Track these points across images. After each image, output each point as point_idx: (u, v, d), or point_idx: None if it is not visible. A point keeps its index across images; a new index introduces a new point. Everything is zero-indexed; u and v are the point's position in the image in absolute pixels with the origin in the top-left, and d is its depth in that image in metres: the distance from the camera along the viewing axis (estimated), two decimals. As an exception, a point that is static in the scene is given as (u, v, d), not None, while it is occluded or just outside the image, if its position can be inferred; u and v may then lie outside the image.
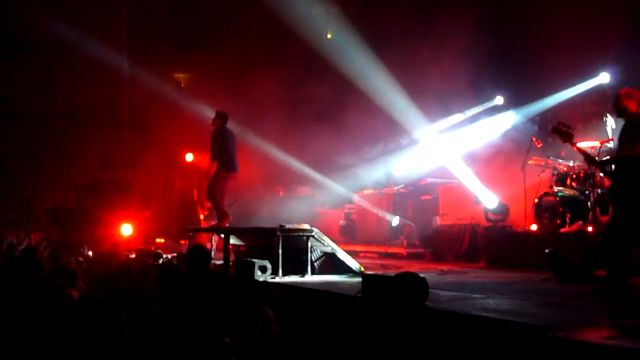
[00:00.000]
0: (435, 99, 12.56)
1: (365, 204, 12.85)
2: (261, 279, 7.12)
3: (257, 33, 16.01)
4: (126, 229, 13.56)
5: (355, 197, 13.50)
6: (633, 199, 5.38)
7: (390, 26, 13.21)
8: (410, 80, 12.45)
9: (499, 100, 13.24)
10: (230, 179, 9.81)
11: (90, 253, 10.92)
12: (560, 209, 8.85)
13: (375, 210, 12.50)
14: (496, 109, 13.16)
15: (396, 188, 12.51)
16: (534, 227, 9.48)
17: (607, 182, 8.52)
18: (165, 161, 16.66)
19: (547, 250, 7.14)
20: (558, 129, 6.10)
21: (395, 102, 12.63)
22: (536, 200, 9.33)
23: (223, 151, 9.60)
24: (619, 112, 5.78)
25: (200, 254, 5.11)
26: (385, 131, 14.10)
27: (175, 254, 10.10)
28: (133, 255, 10.90)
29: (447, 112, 13.51)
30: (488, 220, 10.53)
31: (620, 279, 5.26)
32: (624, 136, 5.57)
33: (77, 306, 3.68)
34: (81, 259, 8.47)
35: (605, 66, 11.12)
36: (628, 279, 5.29)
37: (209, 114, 13.99)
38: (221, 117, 9.78)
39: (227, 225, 9.59)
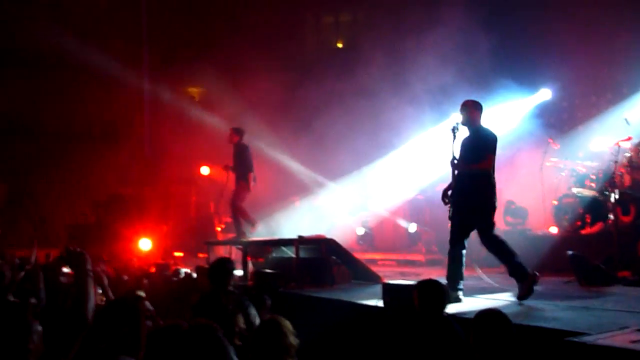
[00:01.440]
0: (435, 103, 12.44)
1: (382, 212, 12.80)
2: (280, 290, 7.11)
3: (266, 42, 16.13)
4: (145, 244, 13.63)
5: (372, 205, 13.46)
6: (471, 209, 5.69)
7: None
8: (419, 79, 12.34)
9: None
10: (249, 192, 9.97)
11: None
12: (580, 211, 8.76)
13: (392, 218, 12.46)
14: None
15: (412, 195, 12.47)
16: (553, 229, 9.37)
17: (627, 182, 8.45)
18: (182, 175, 16.78)
19: (568, 253, 7.05)
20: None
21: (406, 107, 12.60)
22: (555, 202, 9.24)
23: (245, 166, 9.82)
24: (466, 121, 5.86)
25: (223, 266, 5.11)
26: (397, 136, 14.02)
27: (194, 268, 10.14)
28: (153, 270, 10.95)
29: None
30: (506, 224, 10.43)
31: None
32: (470, 147, 5.73)
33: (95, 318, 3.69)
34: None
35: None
36: None
37: (223, 126, 14.15)
38: (239, 132, 10.03)
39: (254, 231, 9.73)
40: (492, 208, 5.79)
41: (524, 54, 12.27)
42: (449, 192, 5.96)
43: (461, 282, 5.82)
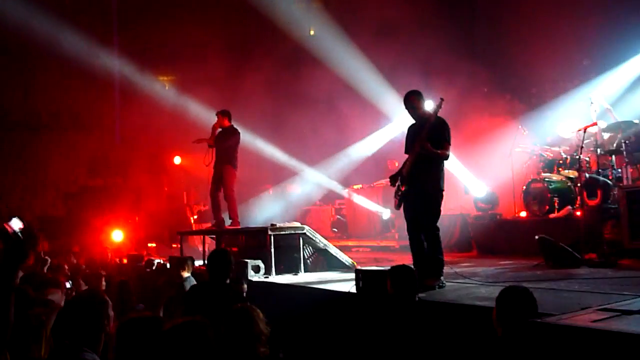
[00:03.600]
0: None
1: (355, 198, 12.89)
2: (254, 279, 7.15)
3: (238, 27, 16.00)
4: (117, 235, 13.54)
5: (346, 192, 13.55)
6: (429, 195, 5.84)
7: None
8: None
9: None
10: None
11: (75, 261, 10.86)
12: (549, 195, 8.95)
13: (365, 204, 12.54)
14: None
15: (384, 181, 12.55)
16: (523, 214, 9.57)
17: (593, 166, 8.66)
18: (154, 165, 16.63)
19: (537, 237, 7.22)
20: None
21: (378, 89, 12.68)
22: (524, 187, 9.42)
23: (234, 150, 9.52)
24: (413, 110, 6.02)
25: (224, 257, 5.06)
26: (371, 122, 14.11)
27: (167, 258, 10.11)
28: (124, 261, 10.90)
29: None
30: (478, 209, 10.61)
31: None
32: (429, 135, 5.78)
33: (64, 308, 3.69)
34: (66, 265, 8.44)
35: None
36: None
37: (196, 114, 14.02)
38: (228, 115, 9.60)
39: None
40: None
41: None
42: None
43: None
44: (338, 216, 13.91)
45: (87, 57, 15.07)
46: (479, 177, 11.03)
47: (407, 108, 6.05)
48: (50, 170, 16.73)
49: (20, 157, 16.54)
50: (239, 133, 9.56)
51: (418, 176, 5.89)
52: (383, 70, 12.74)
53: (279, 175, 15.38)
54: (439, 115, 5.85)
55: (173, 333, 2.89)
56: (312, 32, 15.40)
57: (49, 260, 7.61)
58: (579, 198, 8.27)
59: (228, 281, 5.02)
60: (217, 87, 14.57)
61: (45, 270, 7.18)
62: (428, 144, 5.69)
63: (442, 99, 5.83)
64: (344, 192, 13.65)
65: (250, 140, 13.17)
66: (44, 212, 15.89)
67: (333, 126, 14.23)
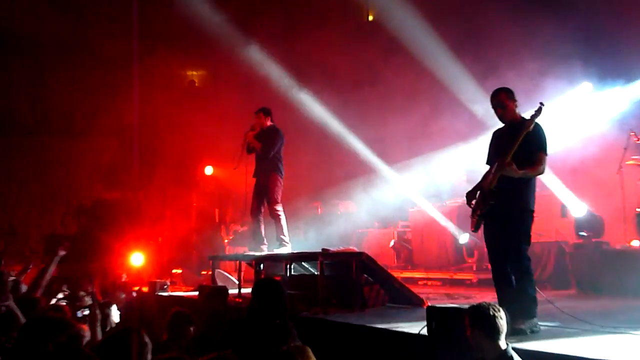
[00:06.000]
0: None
1: (423, 220, 12.79)
2: (302, 315, 7.17)
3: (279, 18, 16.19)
4: (137, 259, 13.80)
5: (411, 213, 13.46)
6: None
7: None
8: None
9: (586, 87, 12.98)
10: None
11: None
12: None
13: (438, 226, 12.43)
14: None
15: (462, 200, 12.41)
16: (636, 243, 9.31)
17: None
18: (181, 176, 16.87)
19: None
20: None
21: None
22: (638, 210, 9.18)
23: (280, 155, 9.58)
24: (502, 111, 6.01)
25: (274, 290, 5.10)
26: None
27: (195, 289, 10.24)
28: (145, 290, 11.11)
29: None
30: (578, 236, 10.37)
31: None
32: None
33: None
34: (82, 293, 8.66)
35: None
36: None
37: (231, 116, 14.17)
38: (269, 114, 9.69)
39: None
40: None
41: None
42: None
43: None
44: (401, 242, 13.83)
45: (102, 47, 15.44)
46: (580, 196, 10.79)
47: (495, 107, 6.04)
48: (61, 181, 17.15)
49: (26, 165, 16.99)
50: (280, 132, 9.61)
51: (502, 192, 5.82)
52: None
53: (329, 191, 15.40)
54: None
55: None
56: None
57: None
58: None
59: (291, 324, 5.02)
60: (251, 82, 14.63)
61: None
62: (513, 164, 5.67)
63: (541, 104, 5.78)
64: (409, 212, 13.57)
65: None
66: (52, 229, 16.31)
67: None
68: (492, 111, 6.11)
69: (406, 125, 13.91)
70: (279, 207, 9.42)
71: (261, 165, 9.57)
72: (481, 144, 12.32)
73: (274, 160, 9.49)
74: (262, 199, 9.51)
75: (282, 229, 9.43)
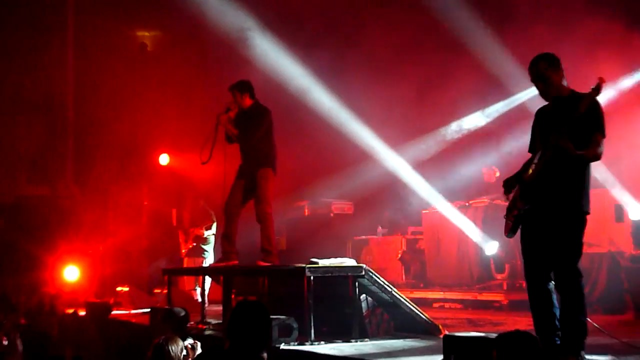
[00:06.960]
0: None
1: (440, 224, 12.82)
2: (283, 347, 7.15)
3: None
4: (71, 273, 13.76)
5: (424, 215, 13.48)
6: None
7: None
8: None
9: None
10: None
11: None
12: None
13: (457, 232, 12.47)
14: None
15: (489, 199, 12.44)
16: None
17: None
18: (128, 168, 16.83)
19: None
20: None
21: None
22: None
23: (269, 142, 9.56)
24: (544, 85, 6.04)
25: (261, 312, 5.00)
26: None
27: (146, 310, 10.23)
28: (82, 313, 11.08)
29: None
30: (637, 246, 10.42)
31: None
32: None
33: None
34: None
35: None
36: None
37: (194, 90, 14.11)
38: (249, 89, 9.57)
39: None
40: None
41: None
42: None
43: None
44: (411, 252, 13.86)
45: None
46: (638, 197, 10.84)
47: (534, 81, 6.02)
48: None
49: None
50: (269, 112, 9.53)
51: (548, 188, 5.82)
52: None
53: (318, 186, 15.39)
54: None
55: None
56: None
57: None
58: None
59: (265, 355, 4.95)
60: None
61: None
62: (570, 143, 5.62)
63: (601, 80, 5.74)
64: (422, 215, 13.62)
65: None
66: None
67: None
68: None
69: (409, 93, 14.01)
70: (269, 209, 9.37)
71: (247, 157, 9.53)
72: (516, 125, 12.53)
73: (264, 149, 9.44)
74: (248, 195, 9.47)
75: (268, 238, 9.32)
